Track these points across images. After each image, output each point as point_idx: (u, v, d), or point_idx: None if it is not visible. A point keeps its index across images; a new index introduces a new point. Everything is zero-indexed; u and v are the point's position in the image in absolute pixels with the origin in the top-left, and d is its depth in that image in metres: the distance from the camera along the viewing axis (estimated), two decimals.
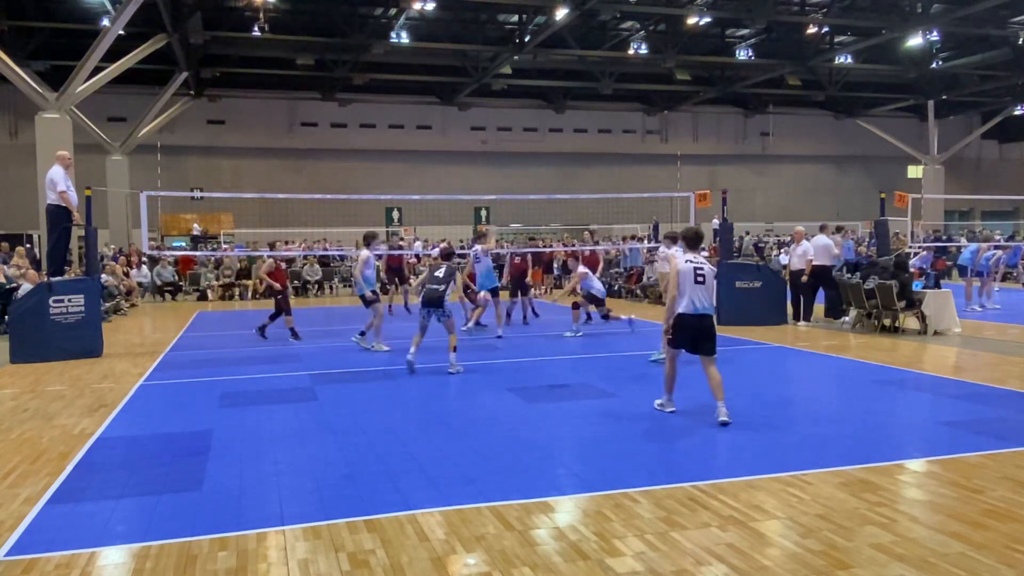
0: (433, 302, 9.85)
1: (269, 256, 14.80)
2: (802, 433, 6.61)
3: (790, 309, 14.57)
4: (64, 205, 11.63)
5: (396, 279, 17.16)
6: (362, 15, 27.02)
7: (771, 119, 41.09)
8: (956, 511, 4.65)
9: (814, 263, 13.87)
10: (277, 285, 13.08)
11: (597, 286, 13.00)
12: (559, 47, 28.29)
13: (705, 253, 22.05)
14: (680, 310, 7.22)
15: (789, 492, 5.02)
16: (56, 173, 11.63)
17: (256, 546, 4.27)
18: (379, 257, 16.59)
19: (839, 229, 19.57)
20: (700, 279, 7.21)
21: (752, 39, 30.83)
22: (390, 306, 16.66)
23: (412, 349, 9.95)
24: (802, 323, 13.98)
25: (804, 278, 13.89)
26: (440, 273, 10.06)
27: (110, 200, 28.17)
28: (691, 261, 7.30)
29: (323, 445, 6.37)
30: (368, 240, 12.31)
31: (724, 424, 6.82)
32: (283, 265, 14.53)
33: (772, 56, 30.58)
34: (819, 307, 14.73)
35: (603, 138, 39.78)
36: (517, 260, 15.41)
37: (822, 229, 14.85)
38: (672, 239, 10.99)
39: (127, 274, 21.76)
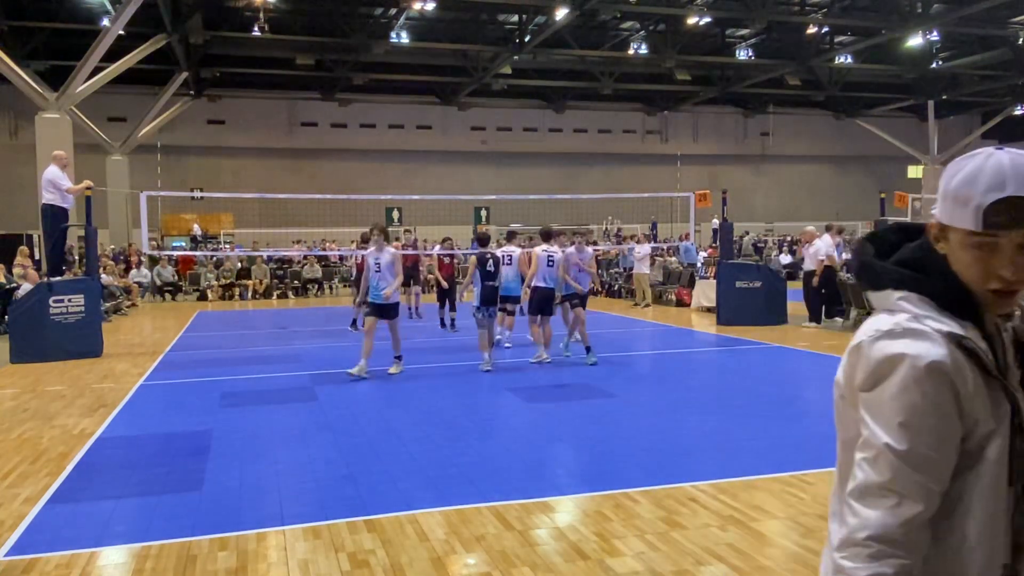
0: (492, 300, 9.66)
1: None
2: (802, 433, 6.61)
3: (790, 309, 14.56)
4: (61, 204, 11.61)
5: (410, 280, 16.41)
6: (362, 15, 27.00)
7: (771, 119, 41.07)
8: None
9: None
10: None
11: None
12: (559, 47, 28.27)
13: (704, 254, 22.15)
14: (536, 284, 10.01)
15: (789, 492, 5.02)
16: (53, 173, 11.60)
17: (256, 546, 4.27)
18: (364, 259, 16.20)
19: (834, 228, 19.34)
20: (551, 264, 10.05)
21: (752, 39, 30.82)
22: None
23: (486, 356, 9.72)
24: (811, 324, 13.84)
25: (815, 280, 13.67)
26: (491, 267, 9.71)
27: (110, 200, 28.16)
28: (546, 250, 10.11)
29: (323, 445, 6.37)
30: (546, 236, 10.75)
31: (545, 362, 10.07)
32: (445, 259, 14.67)
33: (772, 56, 30.57)
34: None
35: (603, 138, 39.77)
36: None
37: (828, 229, 14.71)
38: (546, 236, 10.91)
39: (124, 271, 21.84)
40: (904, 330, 1.24)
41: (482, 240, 10.43)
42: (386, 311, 9.35)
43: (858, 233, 31.06)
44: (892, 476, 1.21)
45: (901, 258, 1.34)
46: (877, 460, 1.23)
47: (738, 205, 28.57)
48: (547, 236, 10.52)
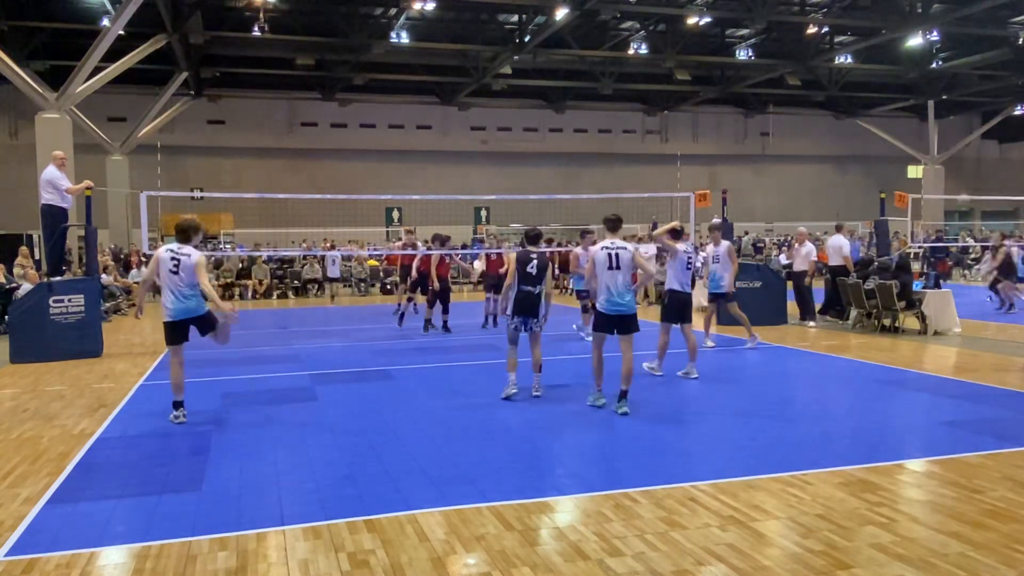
0: (529, 309, 8.01)
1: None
2: (802, 433, 6.61)
3: (790, 309, 14.57)
4: (60, 204, 11.60)
5: (407, 280, 16.08)
6: (362, 15, 27.00)
7: (771, 119, 41.08)
8: (956, 511, 4.65)
9: (831, 263, 13.92)
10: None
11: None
12: (559, 47, 28.29)
13: (704, 254, 22.08)
14: (671, 287, 9.36)
15: (789, 492, 5.02)
16: (51, 173, 11.59)
17: (256, 546, 4.27)
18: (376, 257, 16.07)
19: (844, 228, 19.44)
20: (689, 266, 9.46)
21: (752, 39, 30.82)
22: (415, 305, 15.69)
23: (511, 377, 8.14)
24: (810, 323, 13.93)
25: (808, 280, 13.95)
26: (532, 269, 8.01)
27: (110, 200, 28.18)
28: (686, 251, 9.35)
29: (323, 445, 6.37)
30: (676, 235, 9.67)
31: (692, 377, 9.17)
32: (447, 259, 14.37)
33: (772, 56, 30.57)
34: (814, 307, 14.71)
35: (603, 138, 39.77)
36: (494, 258, 14.81)
37: (839, 229, 14.88)
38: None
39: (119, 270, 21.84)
40: None
41: (531, 237, 8.47)
42: (199, 324, 7.35)
43: (858, 233, 31.06)
44: None
45: None
46: None
47: (738, 205, 28.57)
48: (677, 235, 9.46)
